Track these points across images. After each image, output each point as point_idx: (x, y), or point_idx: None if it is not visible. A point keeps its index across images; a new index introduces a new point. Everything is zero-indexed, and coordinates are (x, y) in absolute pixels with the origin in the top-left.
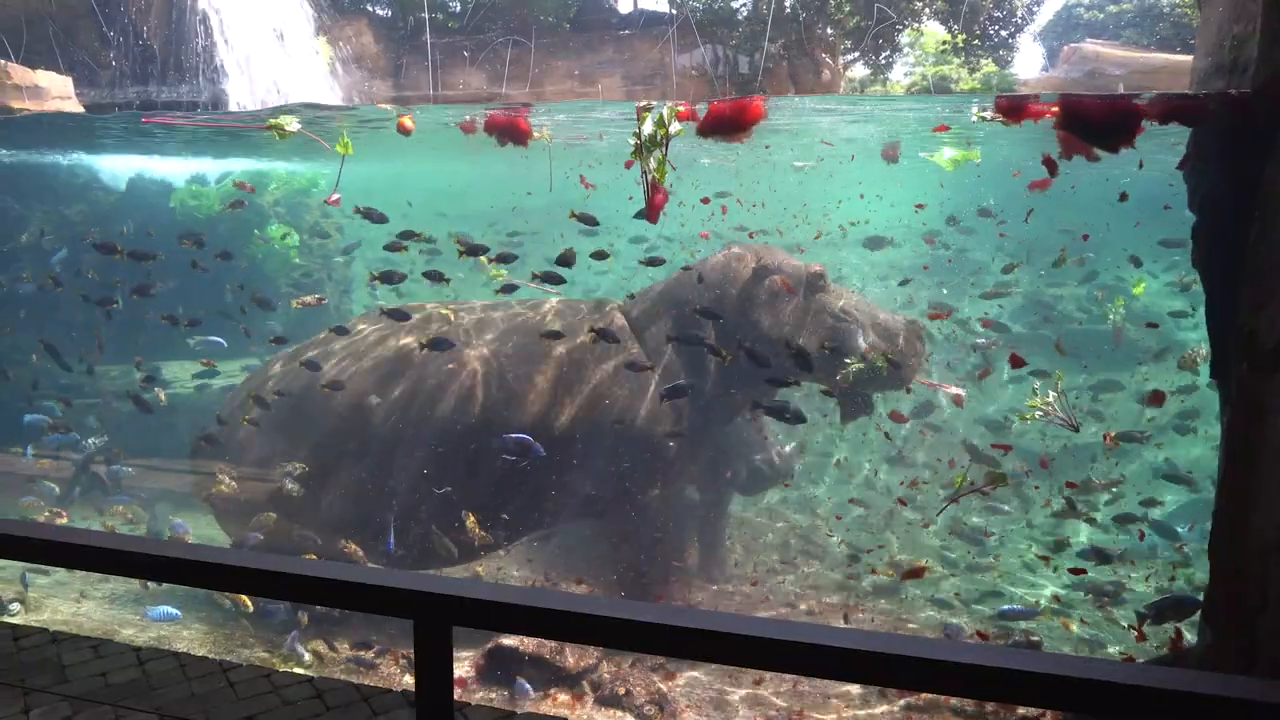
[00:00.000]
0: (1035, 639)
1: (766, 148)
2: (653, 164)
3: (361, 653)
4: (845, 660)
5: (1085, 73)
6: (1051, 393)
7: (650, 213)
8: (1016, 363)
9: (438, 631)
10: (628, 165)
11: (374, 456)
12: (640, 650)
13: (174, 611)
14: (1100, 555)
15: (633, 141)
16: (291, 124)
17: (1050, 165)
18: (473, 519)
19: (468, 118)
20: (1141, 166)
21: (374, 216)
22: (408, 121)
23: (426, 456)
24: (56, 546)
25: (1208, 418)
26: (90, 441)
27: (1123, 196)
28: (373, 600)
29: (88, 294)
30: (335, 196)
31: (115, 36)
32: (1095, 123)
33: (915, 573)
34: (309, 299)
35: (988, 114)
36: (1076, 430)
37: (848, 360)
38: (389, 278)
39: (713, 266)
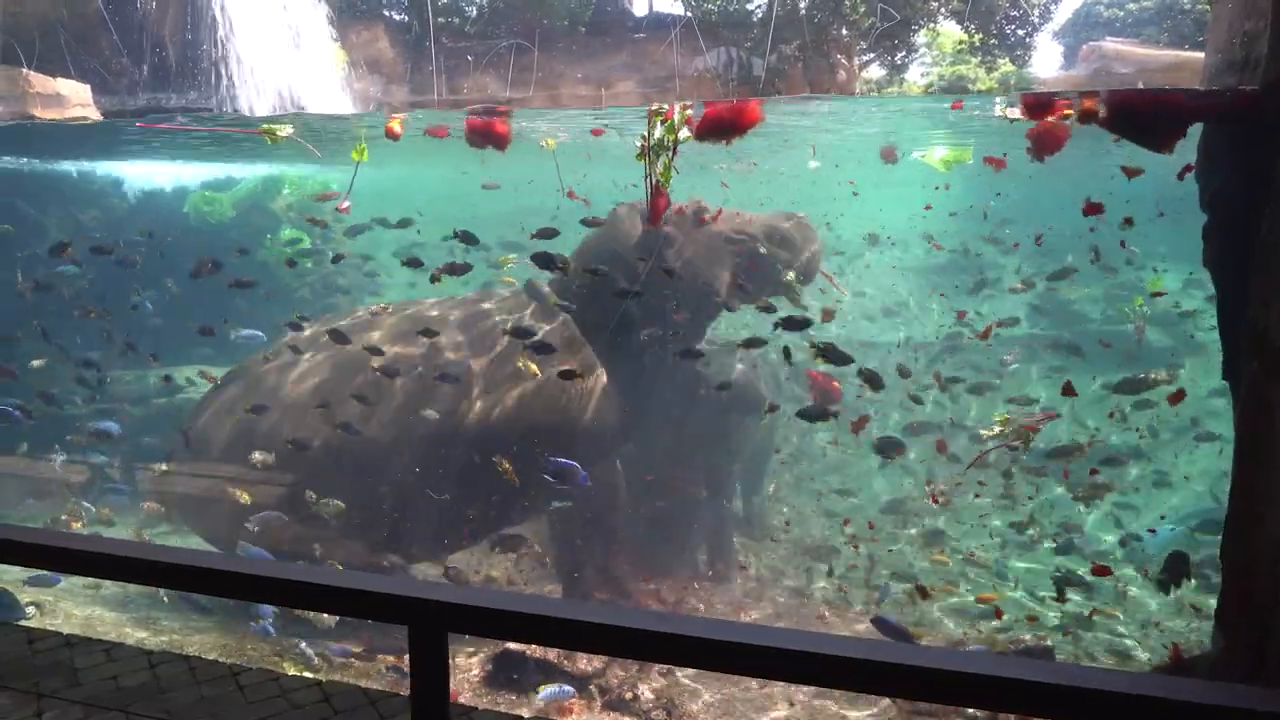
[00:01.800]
0: (1048, 644)
1: (753, 163)
2: (659, 168)
3: (397, 660)
4: (839, 668)
5: (1104, 71)
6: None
7: (653, 215)
8: (1069, 391)
9: (432, 638)
10: (595, 133)
11: (371, 465)
12: (633, 657)
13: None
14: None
15: (639, 144)
16: (284, 129)
17: (1094, 209)
18: None
19: (456, 124)
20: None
21: (469, 240)
22: (396, 126)
23: (411, 461)
24: (54, 551)
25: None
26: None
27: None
28: (368, 606)
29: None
30: (346, 204)
31: (130, 44)
32: (1144, 120)
33: (924, 593)
34: (379, 307)
35: (1010, 112)
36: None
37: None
38: (453, 270)
39: (607, 227)
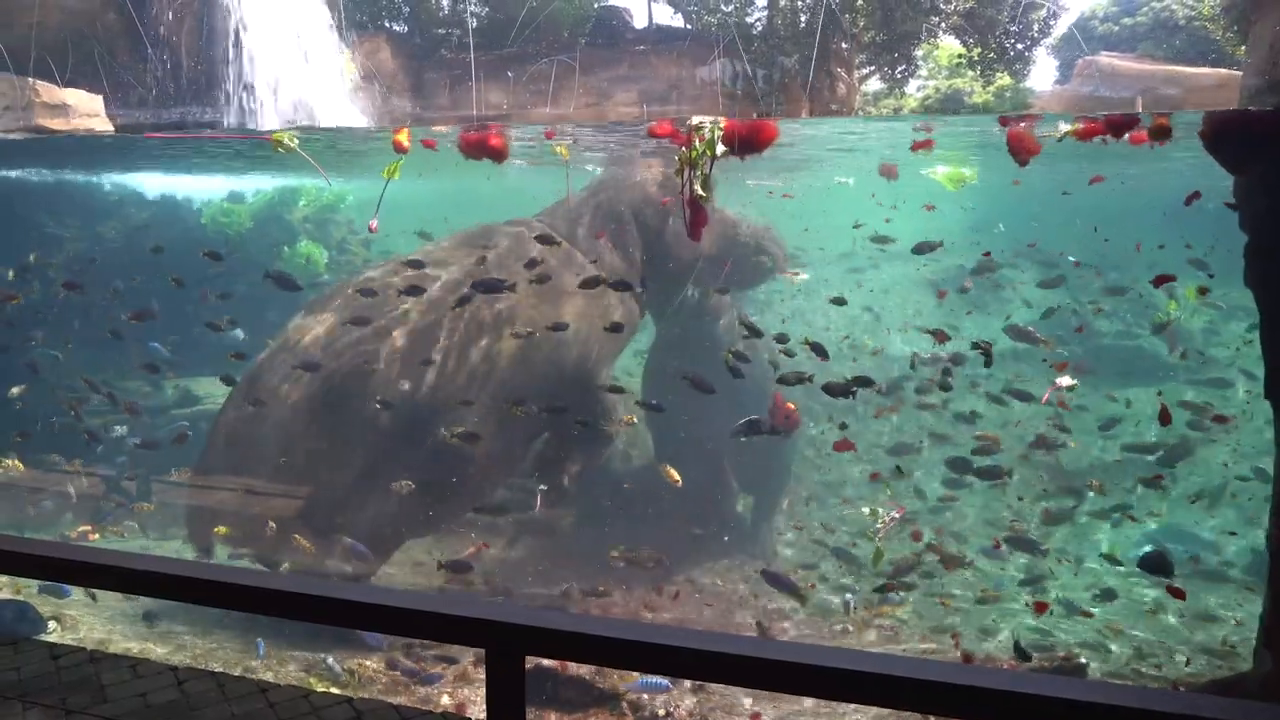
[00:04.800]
0: (1082, 661)
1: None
2: (697, 183)
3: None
4: (884, 686)
5: (1104, 86)
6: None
7: (694, 231)
8: (1221, 419)
9: (511, 660)
10: (548, 134)
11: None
12: (716, 681)
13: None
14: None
15: (678, 161)
16: (291, 140)
17: (1165, 279)
18: None
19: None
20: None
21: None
22: (403, 138)
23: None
24: (105, 570)
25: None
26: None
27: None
28: (444, 628)
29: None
30: (374, 223)
31: (151, 57)
32: (1238, 141)
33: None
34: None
35: (1067, 127)
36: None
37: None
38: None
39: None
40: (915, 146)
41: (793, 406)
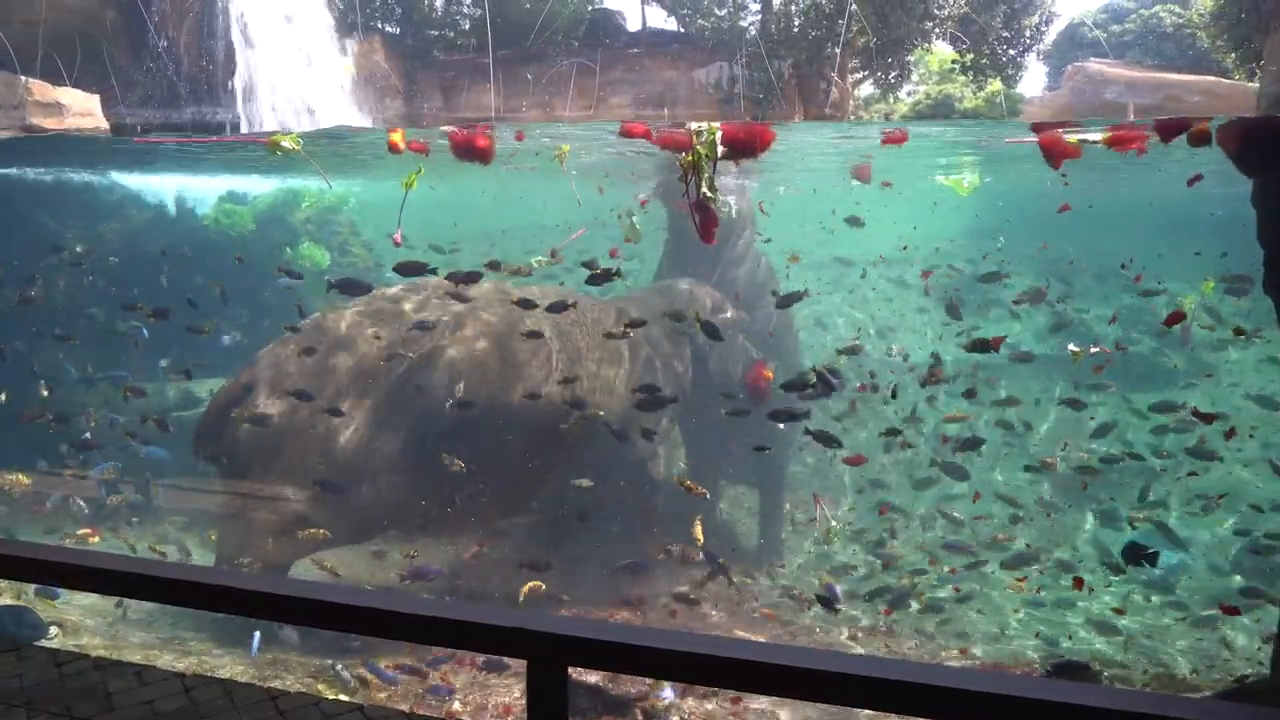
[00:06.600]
0: (1095, 668)
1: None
2: (705, 187)
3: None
4: (885, 688)
5: (1093, 92)
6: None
7: (705, 233)
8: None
9: (552, 672)
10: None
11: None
12: (767, 693)
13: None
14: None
15: (681, 165)
16: (288, 142)
17: (1176, 318)
18: None
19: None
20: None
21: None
22: (398, 140)
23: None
24: (129, 578)
25: None
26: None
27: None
28: (484, 639)
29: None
30: (398, 235)
31: (151, 57)
32: (1258, 145)
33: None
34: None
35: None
36: None
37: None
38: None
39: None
40: (885, 140)
41: (769, 375)
